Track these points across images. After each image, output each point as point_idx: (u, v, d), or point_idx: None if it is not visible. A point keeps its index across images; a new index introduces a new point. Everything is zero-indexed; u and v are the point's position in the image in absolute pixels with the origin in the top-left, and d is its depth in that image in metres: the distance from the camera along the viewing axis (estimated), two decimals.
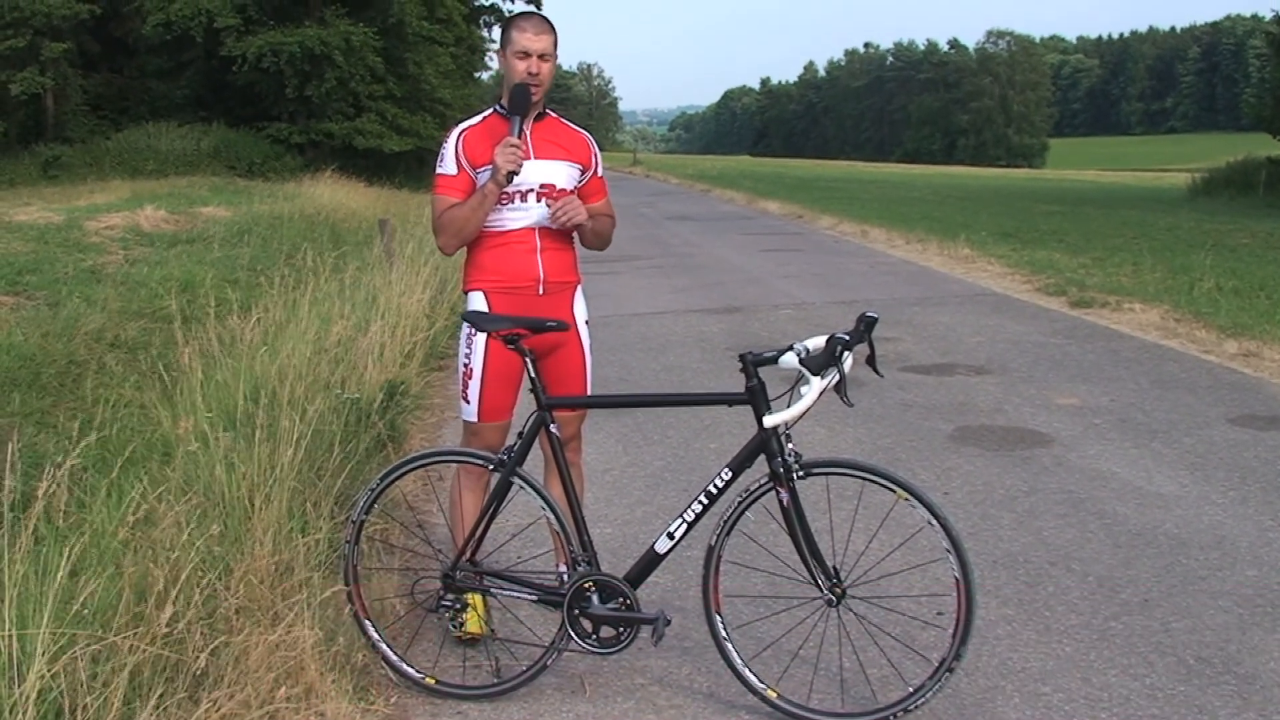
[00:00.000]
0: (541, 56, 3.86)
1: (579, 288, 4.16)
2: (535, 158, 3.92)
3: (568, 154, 4.03)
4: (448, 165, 3.96)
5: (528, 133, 3.95)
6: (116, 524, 3.79)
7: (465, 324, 3.99)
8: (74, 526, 4.00)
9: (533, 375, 3.68)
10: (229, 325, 7.08)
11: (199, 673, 3.23)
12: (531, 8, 40.74)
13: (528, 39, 3.84)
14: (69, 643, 3.00)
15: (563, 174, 4.00)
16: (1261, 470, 6.00)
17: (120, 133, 33.58)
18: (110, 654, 3.08)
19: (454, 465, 4.05)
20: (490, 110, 4.05)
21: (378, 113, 35.40)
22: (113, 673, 2.99)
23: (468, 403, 4.04)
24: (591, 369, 4.17)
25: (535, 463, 3.87)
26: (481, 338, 3.95)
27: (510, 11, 43.51)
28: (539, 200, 3.94)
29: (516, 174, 3.83)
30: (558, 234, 4.01)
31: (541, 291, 3.98)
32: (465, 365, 4.02)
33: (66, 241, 15.46)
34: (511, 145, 3.79)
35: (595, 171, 4.17)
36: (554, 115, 4.08)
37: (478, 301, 3.99)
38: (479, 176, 3.91)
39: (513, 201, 3.91)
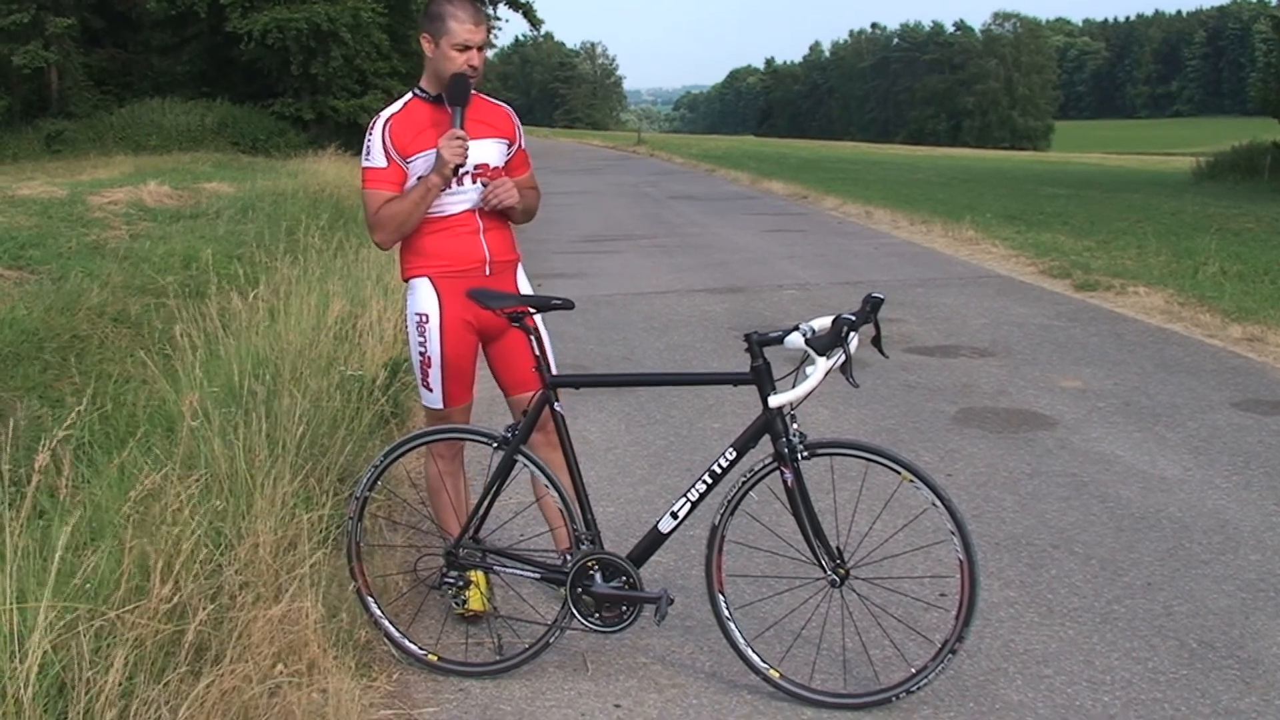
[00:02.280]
0: (480, 48, 3.83)
1: (519, 265, 4.16)
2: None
3: (495, 131, 4.00)
4: (376, 158, 3.87)
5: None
6: (119, 498, 3.78)
7: (414, 314, 3.96)
8: (77, 501, 4.00)
9: (537, 353, 3.67)
10: (232, 301, 7.07)
11: (201, 647, 3.23)
12: None
13: (468, 31, 3.78)
14: (71, 617, 3.00)
15: (493, 152, 3.98)
16: (1265, 455, 5.99)
17: (124, 108, 33.50)
18: (112, 628, 3.08)
19: (431, 449, 4.03)
20: (410, 95, 3.98)
21: (384, 90, 35.19)
22: (114, 647, 2.99)
23: (430, 390, 4.02)
24: (550, 346, 4.07)
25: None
26: (435, 326, 3.92)
27: None
28: (475, 182, 3.91)
29: (462, 166, 3.81)
30: (496, 213, 3.99)
31: (489, 272, 3.96)
32: (422, 354, 3.98)
33: (70, 216, 15.43)
34: (457, 138, 3.75)
35: (519, 144, 4.13)
36: (474, 92, 3.99)
37: (424, 288, 3.95)
38: (409, 166, 3.86)
39: (450, 185, 3.87)
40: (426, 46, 3.88)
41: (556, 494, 3.65)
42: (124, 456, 4.35)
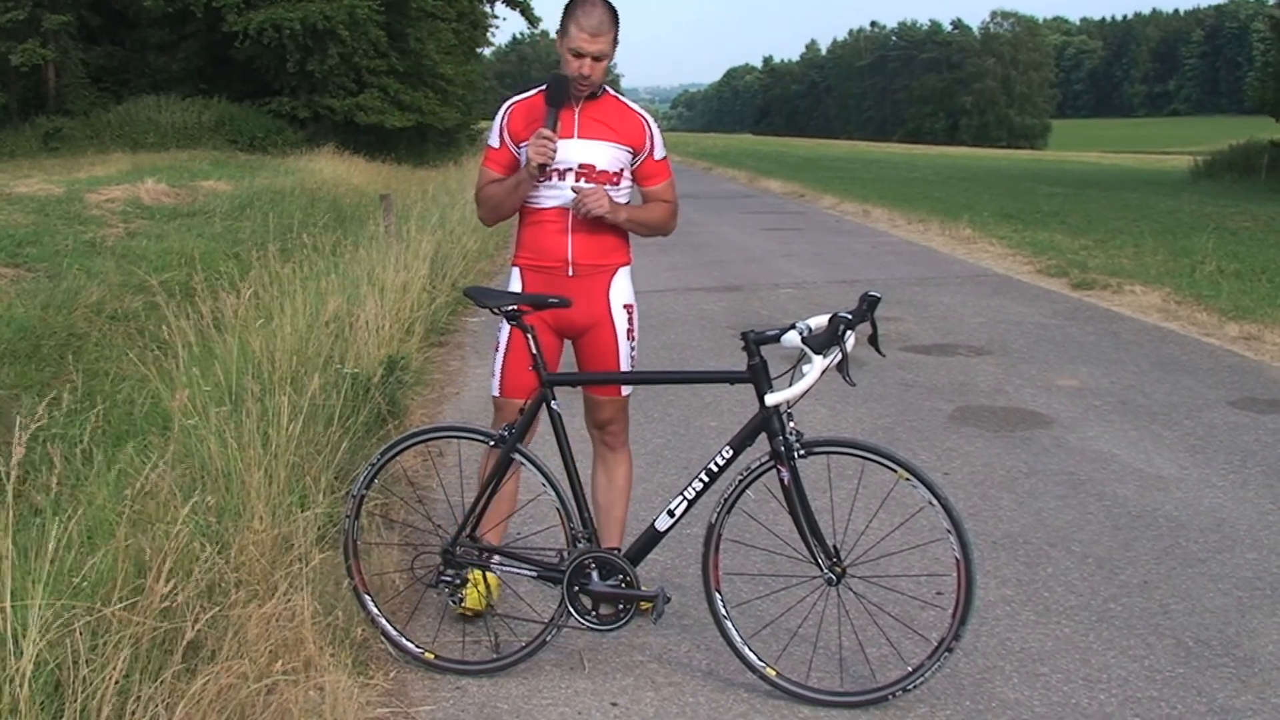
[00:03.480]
0: (596, 58, 3.75)
1: (622, 270, 4.02)
2: (578, 137, 3.82)
3: (616, 135, 3.88)
4: (493, 137, 3.95)
5: (576, 112, 3.83)
6: (113, 497, 3.78)
7: None
8: (72, 499, 3.99)
9: (534, 351, 3.66)
10: (228, 299, 7.06)
11: (197, 644, 3.22)
12: None
13: (584, 40, 3.70)
14: (67, 616, 3.00)
15: (606, 155, 3.86)
16: (1261, 453, 6.00)
17: (121, 105, 33.39)
18: (108, 627, 3.08)
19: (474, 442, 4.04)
20: (546, 84, 3.93)
21: (379, 88, 35.19)
22: (110, 646, 2.98)
23: (493, 376, 4.05)
24: (629, 354, 4.04)
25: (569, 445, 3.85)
26: None
27: None
28: (578, 180, 3.84)
29: (548, 166, 3.76)
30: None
31: (571, 273, 3.90)
32: (496, 340, 4.03)
33: (67, 214, 15.40)
34: (544, 138, 3.70)
35: (651, 154, 3.98)
36: (611, 93, 3.94)
37: (514, 278, 3.99)
38: (520, 152, 3.86)
39: (550, 179, 3.84)
40: (557, 42, 3.86)
41: (554, 493, 3.65)
42: (119, 454, 4.34)
